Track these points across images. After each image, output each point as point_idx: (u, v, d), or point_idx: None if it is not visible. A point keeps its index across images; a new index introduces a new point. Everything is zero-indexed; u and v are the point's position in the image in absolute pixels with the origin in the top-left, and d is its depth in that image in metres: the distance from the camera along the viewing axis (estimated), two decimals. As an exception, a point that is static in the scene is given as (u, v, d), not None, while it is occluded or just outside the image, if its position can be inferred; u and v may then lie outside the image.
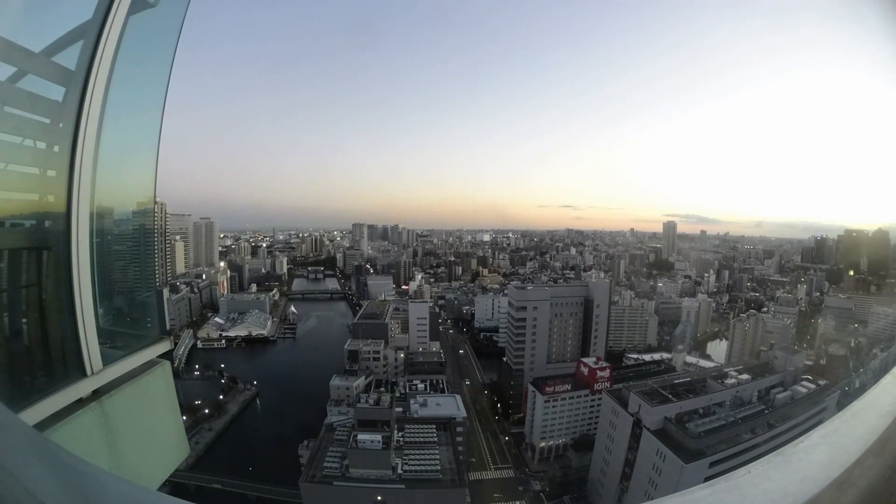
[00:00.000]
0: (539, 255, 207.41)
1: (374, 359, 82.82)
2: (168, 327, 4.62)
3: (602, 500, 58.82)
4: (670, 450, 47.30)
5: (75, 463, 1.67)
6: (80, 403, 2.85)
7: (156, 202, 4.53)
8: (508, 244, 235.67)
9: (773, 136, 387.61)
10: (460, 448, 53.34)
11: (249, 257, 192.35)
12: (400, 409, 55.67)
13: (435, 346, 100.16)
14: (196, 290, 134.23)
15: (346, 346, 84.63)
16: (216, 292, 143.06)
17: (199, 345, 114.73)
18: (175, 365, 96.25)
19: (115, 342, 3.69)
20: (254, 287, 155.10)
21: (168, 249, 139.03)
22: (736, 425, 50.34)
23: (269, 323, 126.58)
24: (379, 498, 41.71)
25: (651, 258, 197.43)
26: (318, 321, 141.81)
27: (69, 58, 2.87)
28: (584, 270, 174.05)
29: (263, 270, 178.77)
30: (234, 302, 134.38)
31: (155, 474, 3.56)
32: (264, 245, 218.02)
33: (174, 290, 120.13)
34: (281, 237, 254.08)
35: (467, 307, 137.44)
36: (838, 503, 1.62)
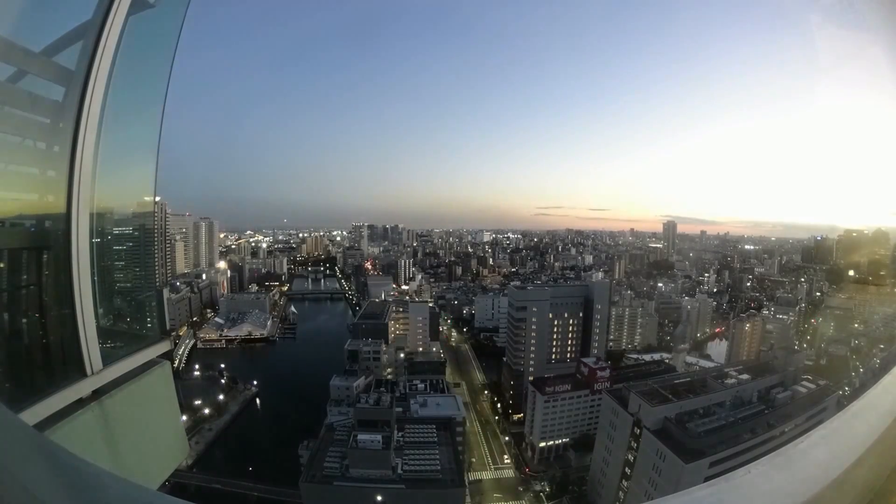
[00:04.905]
0: (539, 255, 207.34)
1: (374, 359, 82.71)
2: (168, 327, 4.62)
3: (602, 500, 58.78)
4: (670, 450, 47.21)
5: (75, 463, 1.67)
6: (80, 403, 2.85)
7: (156, 202, 4.53)
8: (508, 244, 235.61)
9: (772, 137, 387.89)
10: (460, 448, 53.31)
11: (249, 257, 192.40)
12: (400, 409, 55.57)
13: (435, 347, 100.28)
14: (196, 290, 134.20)
15: (346, 346, 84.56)
16: (216, 292, 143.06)
17: (199, 345, 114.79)
18: (175, 365, 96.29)
19: (115, 342, 3.70)
20: (254, 287, 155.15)
21: (168, 249, 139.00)
22: (736, 425, 50.24)
23: (269, 323, 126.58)
24: (379, 498, 41.66)
25: (651, 258, 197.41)
26: (319, 321, 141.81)
27: (69, 58, 2.87)
28: (584, 270, 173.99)
29: (263, 270, 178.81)
30: (235, 302, 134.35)
31: (155, 474, 3.56)
32: (264, 245, 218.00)
33: (174, 290, 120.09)
34: (281, 237, 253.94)
35: (467, 307, 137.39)
36: (838, 503, 1.62)
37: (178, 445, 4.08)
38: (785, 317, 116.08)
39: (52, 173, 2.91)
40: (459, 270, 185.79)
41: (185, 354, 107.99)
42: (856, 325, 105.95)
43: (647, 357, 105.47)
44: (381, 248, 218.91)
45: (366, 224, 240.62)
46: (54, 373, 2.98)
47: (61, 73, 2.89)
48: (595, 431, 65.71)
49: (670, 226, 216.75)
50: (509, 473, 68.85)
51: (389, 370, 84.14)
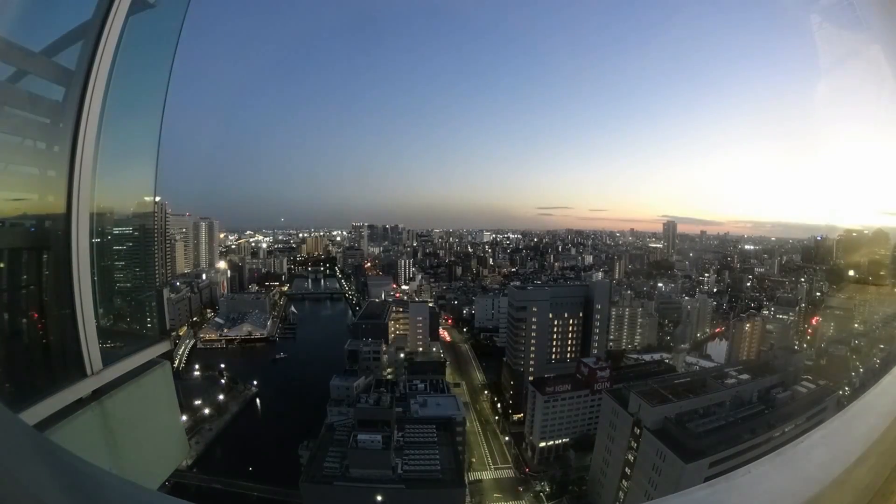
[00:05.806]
0: (539, 255, 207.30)
1: (374, 359, 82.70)
2: (168, 327, 4.63)
3: (602, 501, 58.78)
4: (670, 450, 47.21)
5: (75, 463, 1.67)
6: (80, 403, 2.85)
7: (156, 202, 4.53)
8: (509, 244, 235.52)
9: (772, 137, 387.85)
10: (460, 448, 53.28)
11: (249, 257, 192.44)
12: (400, 409, 55.57)
13: (435, 347, 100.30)
14: (196, 289, 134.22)
15: (346, 346, 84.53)
16: (216, 292, 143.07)
17: (199, 345, 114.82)
18: (175, 365, 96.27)
19: (115, 342, 3.70)
20: (254, 287, 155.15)
21: (168, 249, 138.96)
22: (736, 425, 50.26)
23: (270, 323, 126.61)
24: (379, 498, 41.65)
25: (651, 258, 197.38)
26: (319, 321, 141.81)
27: (69, 58, 2.87)
28: (584, 270, 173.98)
29: (263, 270, 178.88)
30: (235, 302, 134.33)
31: (155, 474, 3.56)
32: (264, 245, 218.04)
33: (174, 290, 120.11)
34: (281, 237, 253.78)
35: (467, 307, 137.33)
36: (838, 503, 1.62)
37: (178, 445, 4.08)
38: (785, 317, 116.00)
39: (52, 173, 2.91)
40: (459, 270, 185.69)
41: (185, 354, 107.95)
42: (856, 325, 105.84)
43: (647, 357, 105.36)
44: (381, 248, 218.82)
45: (366, 224, 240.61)
46: (54, 373, 2.98)
47: (61, 73, 2.89)
48: (595, 431, 65.69)
49: (670, 226, 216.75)
50: (509, 473, 68.85)
51: (389, 370, 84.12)
